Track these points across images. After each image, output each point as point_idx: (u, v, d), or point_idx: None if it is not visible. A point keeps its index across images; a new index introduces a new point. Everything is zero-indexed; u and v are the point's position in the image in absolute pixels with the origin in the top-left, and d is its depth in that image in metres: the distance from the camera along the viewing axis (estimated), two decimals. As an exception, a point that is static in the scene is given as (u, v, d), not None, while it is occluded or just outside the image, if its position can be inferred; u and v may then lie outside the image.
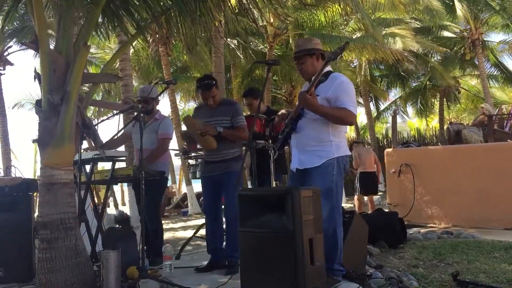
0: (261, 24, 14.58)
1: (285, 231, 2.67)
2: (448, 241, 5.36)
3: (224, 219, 4.28)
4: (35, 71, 3.76)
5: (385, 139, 20.87)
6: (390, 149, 8.33)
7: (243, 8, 4.94)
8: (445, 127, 21.09)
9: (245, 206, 2.90)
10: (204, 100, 4.25)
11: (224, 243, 4.25)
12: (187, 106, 23.78)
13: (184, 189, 17.04)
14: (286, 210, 2.68)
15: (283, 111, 3.63)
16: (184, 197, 15.39)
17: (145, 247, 3.89)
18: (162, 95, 5.49)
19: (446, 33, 19.97)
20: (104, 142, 4.21)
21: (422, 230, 6.48)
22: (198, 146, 4.75)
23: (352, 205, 9.67)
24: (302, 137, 3.33)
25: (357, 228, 3.89)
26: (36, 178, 4.70)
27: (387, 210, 6.41)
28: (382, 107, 23.80)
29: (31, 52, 16.01)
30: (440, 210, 7.28)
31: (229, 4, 5.12)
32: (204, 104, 4.29)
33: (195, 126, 4.13)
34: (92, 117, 20.39)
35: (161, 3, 4.16)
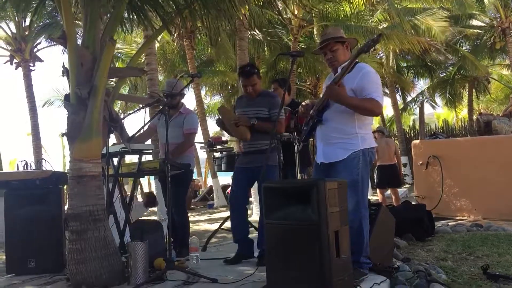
0: (285, 16, 14.50)
1: (311, 223, 2.66)
2: (477, 234, 5.27)
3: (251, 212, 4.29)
4: (63, 66, 3.84)
5: (412, 131, 20.56)
6: (417, 141, 8.20)
7: (267, 0, 4.92)
8: (474, 118, 20.69)
9: (270, 199, 2.90)
10: (244, 88, 4.26)
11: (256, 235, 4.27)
12: (213, 99, 23.90)
13: (209, 182, 17.18)
14: (312, 202, 2.66)
15: (307, 101, 3.60)
16: (210, 190, 15.52)
17: (171, 239, 3.94)
18: (187, 88, 5.52)
19: (475, 22, 19.47)
20: (130, 136, 4.26)
21: (451, 223, 6.38)
22: (224, 139, 4.77)
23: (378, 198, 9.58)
24: (328, 129, 3.30)
25: (384, 221, 3.85)
26: (65, 171, 4.81)
27: (414, 203, 6.32)
28: (408, 98, 23.41)
29: (59, 48, 16.27)
30: (469, 203, 7.15)
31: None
32: (244, 92, 4.31)
33: (229, 116, 4.16)
34: (120, 111, 20.69)
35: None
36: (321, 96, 3.42)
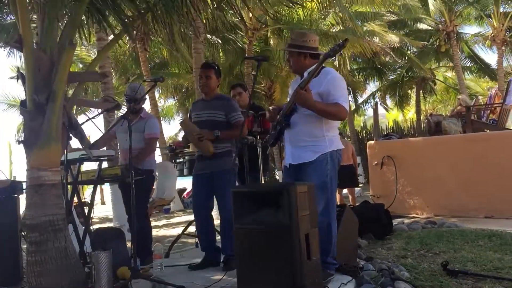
0: (239, 19, 14.53)
1: (281, 227, 2.67)
2: (432, 231, 5.46)
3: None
4: (18, 70, 3.69)
5: (364, 131, 21.12)
6: (372, 142, 8.43)
7: (225, 2, 4.91)
8: (422, 118, 21.49)
9: (239, 203, 2.89)
10: (199, 78, 4.23)
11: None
12: (167, 102, 23.61)
13: (165, 186, 16.93)
14: (282, 206, 2.68)
15: (274, 106, 3.62)
16: (166, 194, 15.27)
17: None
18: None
19: (421, 25, 20.26)
20: (92, 142, 4.15)
21: (406, 221, 6.58)
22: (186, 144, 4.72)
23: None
24: (296, 132, 3.34)
25: (348, 221, 3.93)
26: (12, 179, 4.61)
27: (371, 202, 6.48)
28: (360, 100, 24.04)
29: (4, 51, 15.57)
30: (422, 200, 7.40)
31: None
32: (198, 85, 4.27)
33: (192, 130, 4.10)
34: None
35: (146, 0, 4.11)
36: (287, 100, 3.46)
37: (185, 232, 5.32)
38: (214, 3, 4.60)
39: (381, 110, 25.29)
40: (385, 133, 12.13)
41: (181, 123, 4.62)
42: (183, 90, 20.02)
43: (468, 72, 22.28)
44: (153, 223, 10.71)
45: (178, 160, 5.18)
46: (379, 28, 15.82)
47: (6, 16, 10.92)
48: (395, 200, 7.42)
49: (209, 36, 14.29)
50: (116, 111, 8.09)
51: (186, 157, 5.01)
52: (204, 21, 7.54)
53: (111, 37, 5.73)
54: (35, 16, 3.89)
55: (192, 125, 4.12)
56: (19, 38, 3.44)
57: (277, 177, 16.37)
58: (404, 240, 4.98)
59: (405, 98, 22.83)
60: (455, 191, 6.94)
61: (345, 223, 3.83)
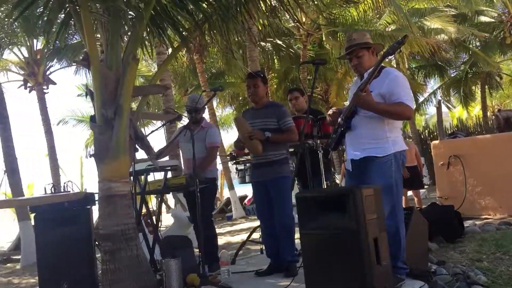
0: (292, 24, 14.54)
1: (349, 232, 2.63)
2: (508, 232, 5.19)
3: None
4: (86, 88, 3.88)
5: (426, 131, 20.41)
6: (437, 141, 8.13)
7: (278, 9, 4.92)
8: (488, 114, 20.47)
9: (304, 209, 2.88)
10: (247, 89, 4.26)
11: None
12: (224, 111, 23.97)
13: (226, 193, 17.18)
14: (348, 210, 2.64)
15: (334, 109, 3.57)
16: (228, 202, 15.50)
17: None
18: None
19: (483, 18, 19.34)
20: (157, 153, 4.28)
21: (478, 222, 6.29)
22: (246, 151, 4.76)
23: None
24: (357, 135, 3.28)
25: (417, 224, 3.81)
26: (83, 191, 4.83)
27: (439, 204, 6.24)
28: (420, 99, 23.26)
29: (71, 70, 16.44)
30: (494, 201, 7.04)
31: (264, 6, 5.12)
32: (248, 95, 4.30)
33: (244, 128, 4.14)
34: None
35: (203, 11, 4.20)
36: (347, 103, 3.41)
37: (249, 239, 5.35)
38: (268, 9, 4.62)
39: (443, 108, 24.38)
40: (450, 132, 11.68)
41: (234, 120, 4.67)
42: (240, 98, 20.25)
43: (538, 64, 21.03)
44: (217, 231, 10.92)
45: (239, 168, 5.23)
46: (441, 21, 15.21)
47: (72, 37, 11.60)
48: (464, 201, 7.10)
49: (263, 43, 14.39)
50: (177, 122, 8.32)
51: (247, 164, 5.05)
52: (260, 28, 7.59)
53: (169, 50, 5.90)
54: (99, 35, 4.08)
55: (245, 124, 4.15)
56: (86, 57, 3.62)
57: (337, 181, 16.15)
58: (477, 242, 4.76)
59: (470, 95, 21.83)
60: (530, 189, 6.55)
61: (414, 226, 3.71)
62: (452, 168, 7.47)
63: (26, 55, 14.75)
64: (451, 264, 3.86)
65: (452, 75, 21.56)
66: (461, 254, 4.35)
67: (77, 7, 3.64)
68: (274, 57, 15.82)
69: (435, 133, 17.60)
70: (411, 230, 3.64)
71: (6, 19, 10.56)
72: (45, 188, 4.42)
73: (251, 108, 4.41)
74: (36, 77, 14.60)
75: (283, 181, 4.02)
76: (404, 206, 4.09)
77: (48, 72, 15.14)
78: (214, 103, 18.97)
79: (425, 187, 14.54)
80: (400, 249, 3.17)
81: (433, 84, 23.28)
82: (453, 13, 18.45)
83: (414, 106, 3.22)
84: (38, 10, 4.31)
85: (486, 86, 21.25)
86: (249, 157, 4.98)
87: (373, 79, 3.10)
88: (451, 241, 4.91)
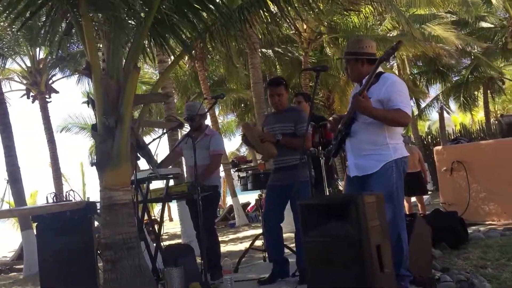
0: (293, 31, 14.57)
1: (351, 239, 2.62)
2: (512, 239, 5.15)
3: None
4: (88, 96, 3.89)
5: (429, 136, 20.37)
6: (439, 147, 8.09)
7: (279, 16, 4.93)
8: (491, 120, 20.42)
9: (307, 216, 2.86)
10: (270, 98, 4.26)
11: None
12: (226, 118, 23.99)
13: (228, 201, 17.17)
14: (350, 217, 2.62)
15: (334, 116, 3.57)
16: (230, 209, 15.49)
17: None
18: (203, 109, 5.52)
19: (484, 24, 19.36)
20: (160, 162, 4.28)
21: (482, 228, 6.24)
22: (248, 158, 4.75)
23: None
24: (357, 141, 3.26)
25: (420, 231, 3.78)
26: (85, 199, 4.83)
27: (443, 210, 6.21)
28: (422, 104, 23.23)
29: (74, 79, 16.49)
30: (498, 207, 6.98)
31: (263, 15, 5.13)
32: (271, 103, 4.33)
33: (253, 132, 4.14)
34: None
35: (204, 21, 4.22)
36: (348, 108, 3.40)
37: (252, 246, 5.33)
38: (268, 18, 4.63)
39: (446, 113, 24.33)
40: (453, 138, 11.64)
41: (243, 126, 4.68)
42: (242, 105, 20.28)
43: (540, 69, 21.00)
44: (220, 238, 10.87)
45: (241, 175, 5.23)
46: (442, 30, 15.25)
47: (74, 46, 11.65)
48: (468, 207, 7.05)
49: (264, 50, 14.42)
50: (179, 130, 8.33)
51: (249, 172, 5.04)
52: (260, 36, 7.62)
53: (171, 58, 5.92)
54: (100, 45, 4.09)
55: (253, 128, 4.16)
56: (88, 66, 3.64)
57: (340, 187, 16.13)
58: (481, 249, 4.72)
59: (471, 100, 21.79)
60: (534, 194, 6.50)
61: (417, 233, 3.68)
62: (455, 174, 7.43)
63: (29, 64, 14.83)
64: (455, 271, 3.82)
65: (454, 80, 21.56)
66: (465, 260, 4.31)
67: (79, 17, 3.66)
68: (276, 63, 15.84)
69: (438, 139, 17.57)
70: (415, 237, 3.61)
71: (9, 29, 10.63)
72: (47, 197, 4.43)
73: (272, 113, 4.47)
74: (38, 86, 14.66)
75: (303, 186, 4.00)
76: (407, 213, 4.07)
77: (50, 81, 15.21)
78: (216, 111, 18.99)
79: (429, 193, 14.52)
80: (403, 256, 3.14)
81: (435, 89, 23.28)
82: (454, 19, 18.50)
83: (410, 113, 3.20)
84: (40, 20, 4.34)
85: (489, 91, 21.23)
86: (251, 164, 4.99)
87: (371, 85, 3.10)
88: (455, 248, 4.86)
